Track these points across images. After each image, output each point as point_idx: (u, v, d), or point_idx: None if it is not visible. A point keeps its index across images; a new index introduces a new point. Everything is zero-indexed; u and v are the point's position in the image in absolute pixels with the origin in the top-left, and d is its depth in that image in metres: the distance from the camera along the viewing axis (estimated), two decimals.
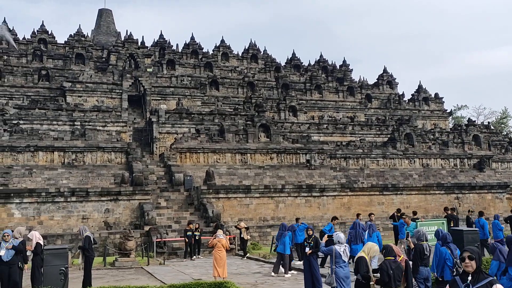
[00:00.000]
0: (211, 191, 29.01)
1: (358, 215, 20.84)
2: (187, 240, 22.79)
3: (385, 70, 56.98)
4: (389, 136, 40.94)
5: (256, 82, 48.28)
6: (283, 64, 55.19)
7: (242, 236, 23.34)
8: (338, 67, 56.93)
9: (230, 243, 22.42)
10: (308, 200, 31.52)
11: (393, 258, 8.61)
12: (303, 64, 56.18)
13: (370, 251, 9.12)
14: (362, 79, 56.61)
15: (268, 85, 49.43)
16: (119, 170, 29.76)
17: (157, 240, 23.56)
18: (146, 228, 25.20)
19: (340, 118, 45.73)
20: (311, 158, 34.77)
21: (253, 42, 54.72)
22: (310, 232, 15.44)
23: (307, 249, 14.06)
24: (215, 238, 15.91)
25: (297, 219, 22.60)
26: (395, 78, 56.69)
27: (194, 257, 22.77)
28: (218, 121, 37.04)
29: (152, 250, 22.76)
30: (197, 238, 23.09)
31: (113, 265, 19.96)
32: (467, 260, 5.96)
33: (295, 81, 50.96)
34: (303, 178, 32.97)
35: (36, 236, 13.90)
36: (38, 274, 13.25)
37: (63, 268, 12.70)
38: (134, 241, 21.08)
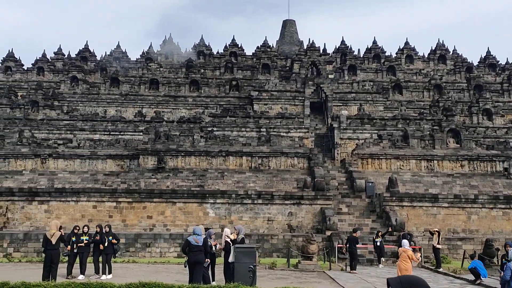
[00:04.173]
0: (394, 198, 27.88)
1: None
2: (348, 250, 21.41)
3: None
4: None
5: (444, 84, 45.22)
6: (475, 63, 50.71)
7: (433, 243, 21.83)
8: None
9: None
10: (506, 212, 28.19)
11: None
12: (499, 62, 50.88)
13: None
14: None
15: (458, 87, 45.87)
16: (301, 175, 30.50)
17: (338, 245, 23.44)
18: (328, 233, 25.29)
19: None
20: (510, 166, 31.11)
21: (441, 42, 51.45)
22: (509, 248, 13.69)
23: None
24: (401, 247, 15.15)
25: None
26: None
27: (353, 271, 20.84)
28: (402, 126, 35.55)
29: (333, 255, 22.72)
30: (378, 244, 22.28)
31: (296, 267, 20.44)
32: None
33: (489, 82, 46.40)
34: (500, 188, 29.66)
35: (224, 234, 14.92)
36: (229, 270, 14.19)
37: (252, 266, 13.35)
38: (316, 245, 21.28)
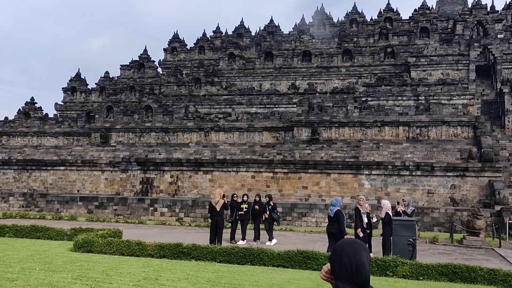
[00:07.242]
0: None
1: None
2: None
3: None
4: None
5: None
6: None
7: None
8: None
9: None
10: None
11: None
12: None
13: None
14: None
15: None
16: (466, 145, 28.24)
17: (509, 221, 21.33)
18: (497, 207, 23.15)
19: None
20: None
21: None
22: None
23: None
24: None
25: None
26: None
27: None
28: None
29: (504, 232, 20.75)
30: None
31: (461, 243, 19.12)
32: None
33: None
34: None
35: (385, 206, 14.47)
36: (388, 243, 13.79)
37: (411, 240, 12.79)
38: (483, 220, 19.62)
